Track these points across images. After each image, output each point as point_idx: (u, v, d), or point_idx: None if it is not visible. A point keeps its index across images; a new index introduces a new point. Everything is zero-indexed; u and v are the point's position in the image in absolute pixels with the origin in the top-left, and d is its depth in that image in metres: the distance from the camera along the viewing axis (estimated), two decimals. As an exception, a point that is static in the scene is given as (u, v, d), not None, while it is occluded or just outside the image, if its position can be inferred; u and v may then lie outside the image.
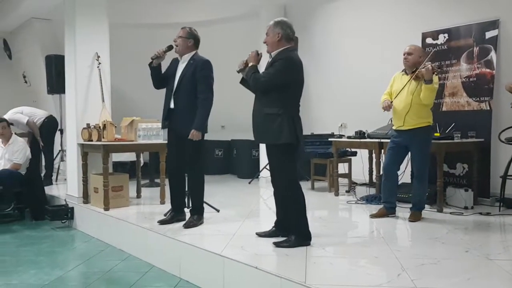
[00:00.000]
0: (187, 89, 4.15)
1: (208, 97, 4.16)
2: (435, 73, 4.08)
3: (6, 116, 6.77)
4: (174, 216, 4.37)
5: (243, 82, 3.68)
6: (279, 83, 3.38)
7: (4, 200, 5.78)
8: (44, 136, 7.08)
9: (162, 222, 4.30)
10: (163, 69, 4.37)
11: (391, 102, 4.37)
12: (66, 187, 5.91)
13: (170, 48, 4.26)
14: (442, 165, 4.76)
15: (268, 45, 3.54)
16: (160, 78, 4.32)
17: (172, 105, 4.21)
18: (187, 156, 4.25)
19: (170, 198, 4.46)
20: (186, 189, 4.46)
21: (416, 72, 4.22)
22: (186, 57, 4.24)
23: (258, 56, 3.57)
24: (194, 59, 4.21)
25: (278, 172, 3.52)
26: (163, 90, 4.36)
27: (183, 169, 4.35)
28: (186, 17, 8.46)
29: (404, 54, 4.36)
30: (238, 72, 3.64)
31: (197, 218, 4.25)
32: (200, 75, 4.13)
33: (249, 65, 3.54)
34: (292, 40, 3.54)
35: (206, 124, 4.23)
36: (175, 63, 4.33)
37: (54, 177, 7.58)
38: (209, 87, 4.18)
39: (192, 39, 4.23)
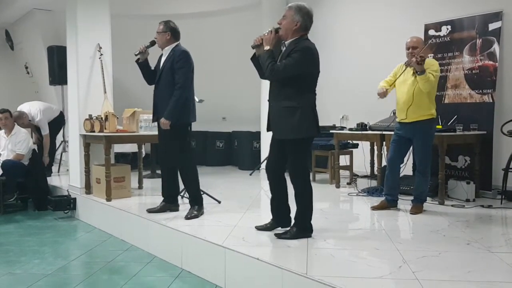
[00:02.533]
0: (165, 81, 4.21)
1: (182, 87, 4.16)
2: (419, 63, 4.05)
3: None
4: (165, 205, 4.43)
5: (254, 59, 3.51)
6: (297, 75, 3.29)
7: (7, 190, 5.81)
8: (50, 130, 7.09)
9: (150, 211, 4.37)
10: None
11: (387, 90, 4.38)
12: (68, 177, 5.93)
13: (153, 43, 4.32)
14: (444, 157, 4.75)
15: (282, 28, 3.38)
16: (150, 74, 4.38)
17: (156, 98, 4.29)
18: (169, 148, 4.30)
19: (162, 187, 4.53)
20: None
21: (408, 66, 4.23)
22: (167, 50, 4.30)
23: (275, 39, 3.37)
24: (174, 51, 4.25)
25: (292, 167, 3.43)
26: None
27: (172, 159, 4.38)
28: (187, 8, 8.45)
29: (409, 48, 4.30)
30: (253, 48, 3.47)
31: (197, 209, 4.27)
32: (177, 66, 4.18)
33: (265, 48, 3.35)
34: (308, 30, 3.42)
35: (183, 113, 4.21)
36: (160, 57, 4.39)
37: (56, 168, 7.61)
38: (184, 77, 4.17)
39: (169, 31, 4.28)
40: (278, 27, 3.40)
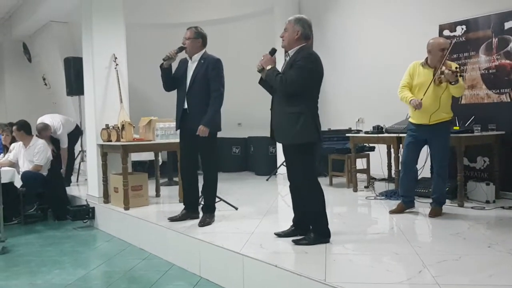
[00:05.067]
0: (200, 88, 4.18)
1: (220, 95, 4.20)
2: (459, 75, 3.98)
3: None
4: (186, 214, 4.44)
5: (261, 82, 3.63)
6: (307, 81, 3.34)
7: (27, 201, 5.90)
8: (68, 142, 7.19)
9: (172, 219, 4.39)
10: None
11: (421, 100, 4.17)
12: (87, 187, 6.00)
13: (181, 49, 4.27)
14: (462, 159, 4.70)
15: (284, 40, 3.50)
16: (171, 80, 4.35)
17: (186, 105, 4.24)
18: (201, 155, 4.30)
19: (183, 195, 4.56)
20: (200, 188, 4.50)
21: (437, 78, 4.12)
22: (196, 57, 4.27)
23: (272, 58, 3.50)
24: (205, 58, 4.24)
25: (298, 170, 3.47)
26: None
27: (196, 168, 4.39)
28: (200, 15, 8.50)
29: (443, 50, 4.16)
30: (259, 72, 3.56)
31: (210, 216, 4.31)
32: (213, 73, 4.17)
33: (267, 68, 3.45)
34: (309, 39, 3.52)
35: (218, 122, 4.27)
36: (183, 64, 4.36)
37: (74, 178, 7.70)
38: (221, 84, 4.22)
39: (200, 38, 4.27)
40: (273, 49, 3.54)
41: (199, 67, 4.21)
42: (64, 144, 7.03)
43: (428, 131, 4.29)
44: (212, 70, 4.17)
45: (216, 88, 4.17)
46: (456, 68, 4.01)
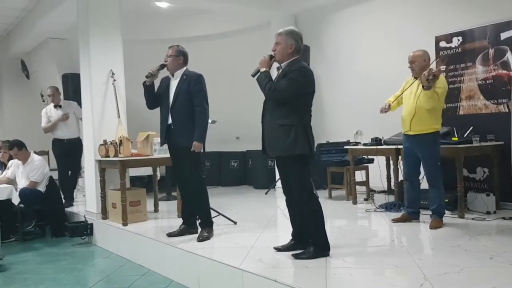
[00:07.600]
0: (183, 104, 4.23)
1: (205, 109, 4.25)
2: (428, 80, 3.99)
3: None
4: (185, 228, 4.42)
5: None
6: (296, 93, 3.34)
7: (25, 218, 5.85)
8: (77, 155, 7.09)
9: (170, 235, 4.36)
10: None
11: (389, 106, 4.44)
12: (85, 203, 5.96)
13: (163, 66, 4.36)
14: (461, 170, 4.67)
15: (277, 54, 3.48)
16: (154, 97, 4.41)
17: (170, 121, 4.28)
18: (187, 169, 4.31)
19: (182, 210, 4.58)
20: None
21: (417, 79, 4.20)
22: (178, 74, 4.33)
23: (270, 61, 3.49)
24: (187, 75, 4.30)
25: (294, 184, 3.46)
26: None
27: (188, 181, 4.38)
28: (198, 30, 8.54)
29: (409, 63, 4.33)
30: (253, 76, 3.56)
31: (208, 231, 4.27)
32: (195, 89, 4.23)
33: (261, 70, 3.46)
34: (300, 51, 3.54)
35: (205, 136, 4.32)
36: (165, 81, 4.42)
37: (74, 195, 7.64)
38: (204, 99, 4.27)
39: (181, 56, 4.35)
40: (271, 55, 3.51)
41: (182, 83, 4.27)
42: (80, 115, 6.70)
43: (414, 142, 4.34)
44: (194, 86, 4.23)
45: (199, 103, 4.22)
46: (430, 75, 3.98)
